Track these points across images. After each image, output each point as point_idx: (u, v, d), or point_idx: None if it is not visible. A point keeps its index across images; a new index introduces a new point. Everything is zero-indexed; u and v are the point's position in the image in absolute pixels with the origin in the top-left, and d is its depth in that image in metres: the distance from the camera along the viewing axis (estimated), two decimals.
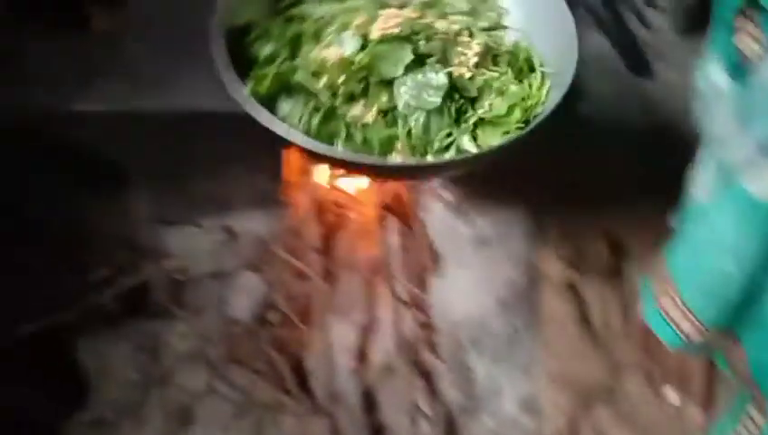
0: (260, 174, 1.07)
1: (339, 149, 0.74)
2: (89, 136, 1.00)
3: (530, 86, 0.81)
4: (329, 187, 1.11)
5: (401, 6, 0.83)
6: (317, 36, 0.80)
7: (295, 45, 0.81)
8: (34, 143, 0.99)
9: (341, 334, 1.02)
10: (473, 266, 1.10)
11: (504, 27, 0.87)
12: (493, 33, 0.85)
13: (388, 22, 0.79)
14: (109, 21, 1.11)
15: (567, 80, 0.76)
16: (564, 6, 0.82)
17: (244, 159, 1.04)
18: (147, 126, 0.99)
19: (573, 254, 1.08)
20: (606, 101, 1.23)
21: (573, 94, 0.77)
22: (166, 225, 1.09)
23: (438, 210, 1.13)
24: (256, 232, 1.08)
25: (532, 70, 0.82)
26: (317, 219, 1.07)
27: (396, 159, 0.75)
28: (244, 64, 0.78)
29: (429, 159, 0.74)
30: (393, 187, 1.12)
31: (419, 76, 0.74)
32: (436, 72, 0.74)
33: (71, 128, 0.98)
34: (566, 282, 1.06)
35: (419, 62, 0.75)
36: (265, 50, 0.80)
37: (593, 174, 1.16)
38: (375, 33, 0.77)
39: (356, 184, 1.14)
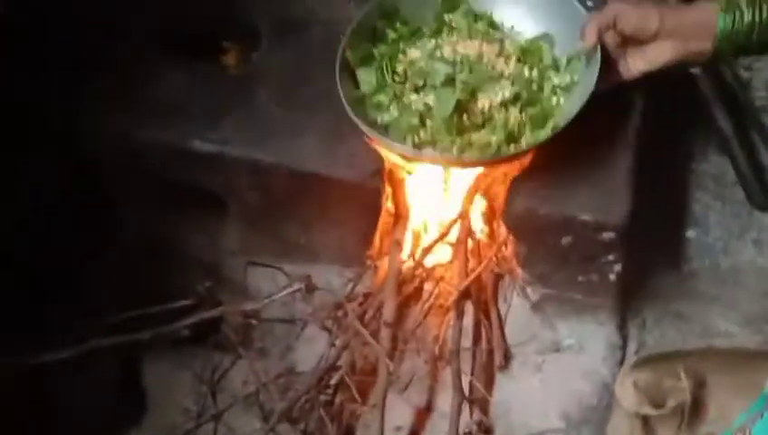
0: (351, 236, 1.08)
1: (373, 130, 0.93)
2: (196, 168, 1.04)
3: (529, 137, 0.93)
4: (413, 259, 1.10)
5: (491, 41, 0.98)
6: (422, 36, 1.01)
7: (413, 35, 1.01)
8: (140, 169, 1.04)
9: (396, 414, 1.01)
10: (543, 373, 1.06)
11: (570, 90, 0.95)
12: (559, 89, 0.96)
13: (457, 48, 0.96)
14: (240, 59, 1.15)
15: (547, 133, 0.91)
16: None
17: (340, 221, 1.05)
18: (254, 171, 1.01)
19: (652, 384, 1.01)
20: (716, 229, 1.17)
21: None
22: (250, 264, 1.12)
23: (519, 306, 1.10)
24: (334, 289, 1.09)
25: (543, 127, 0.92)
26: (395, 289, 1.06)
27: (408, 145, 0.93)
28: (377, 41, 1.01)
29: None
30: (477, 269, 1.10)
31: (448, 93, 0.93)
32: (452, 96, 0.92)
33: (183, 162, 1.02)
34: (639, 413, 1.00)
35: (453, 81, 0.93)
36: (392, 35, 1.00)
37: (689, 305, 1.10)
38: (439, 51, 0.97)
39: (439, 259, 1.13)
